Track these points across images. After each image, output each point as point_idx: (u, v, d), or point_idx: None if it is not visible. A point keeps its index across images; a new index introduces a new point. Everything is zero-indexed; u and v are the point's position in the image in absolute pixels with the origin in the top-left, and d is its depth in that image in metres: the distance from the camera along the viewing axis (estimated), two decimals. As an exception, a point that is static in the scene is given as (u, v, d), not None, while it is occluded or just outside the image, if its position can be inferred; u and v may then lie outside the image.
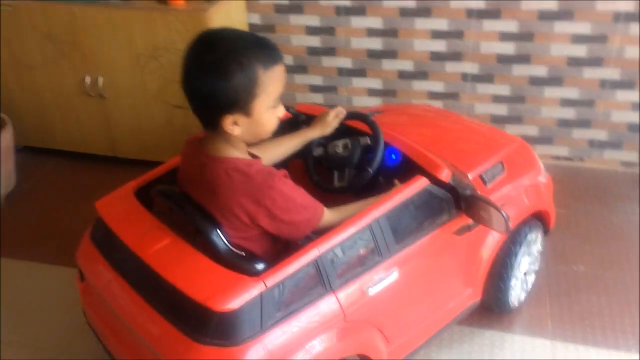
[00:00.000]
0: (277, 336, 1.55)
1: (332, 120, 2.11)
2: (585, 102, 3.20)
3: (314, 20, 3.35)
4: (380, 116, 2.45)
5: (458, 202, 1.91)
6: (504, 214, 1.79)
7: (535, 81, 3.21)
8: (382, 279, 1.76)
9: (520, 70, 3.20)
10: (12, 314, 2.53)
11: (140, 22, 3.00)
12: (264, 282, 1.52)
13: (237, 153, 1.60)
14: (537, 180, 2.23)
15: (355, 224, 1.71)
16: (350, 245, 1.71)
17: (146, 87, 3.17)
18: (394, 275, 1.79)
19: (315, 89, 3.58)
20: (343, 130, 2.10)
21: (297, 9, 3.33)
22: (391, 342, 1.88)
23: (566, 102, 3.23)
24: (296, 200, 1.62)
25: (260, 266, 1.55)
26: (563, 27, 3.02)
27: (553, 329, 2.34)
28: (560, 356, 2.23)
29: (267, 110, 1.55)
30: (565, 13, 2.98)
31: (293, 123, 2.25)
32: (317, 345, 1.63)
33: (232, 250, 1.59)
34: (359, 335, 1.75)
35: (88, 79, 3.22)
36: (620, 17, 2.92)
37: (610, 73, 3.09)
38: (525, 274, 2.35)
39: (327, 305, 1.65)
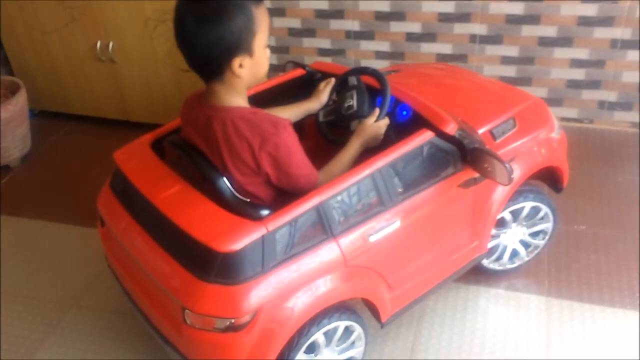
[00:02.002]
0: (278, 277, 1.64)
1: (324, 89, 2.18)
2: (595, 63, 3.15)
3: (321, -17, 3.35)
4: (396, 75, 2.49)
5: (464, 155, 1.94)
6: (507, 166, 1.81)
7: (545, 42, 3.16)
8: (383, 228, 1.81)
9: (529, 31, 3.16)
10: (25, 270, 2.65)
11: (148, -14, 3.03)
12: (266, 227, 1.60)
13: (240, 101, 1.67)
14: (549, 136, 2.23)
15: (358, 173, 1.76)
16: (353, 193, 1.76)
17: (155, 51, 3.22)
18: (395, 225, 1.84)
19: (323, 52, 3.58)
20: (347, 88, 2.12)
21: (304, -29, 3.34)
22: (394, 289, 1.95)
23: (576, 63, 3.18)
24: (297, 154, 1.67)
25: (264, 212, 1.63)
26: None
27: (549, 286, 2.36)
28: (554, 312, 2.26)
29: (263, 48, 1.63)
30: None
31: (308, 81, 2.29)
32: (318, 286, 1.71)
33: (237, 196, 1.68)
34: (361, 280, 1.82)
35: (99, 44, 3.28)
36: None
37: (621, 33, 3.03)
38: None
39: (328, 250, 1.72)
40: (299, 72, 2.35)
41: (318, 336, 1.81)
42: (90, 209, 2.94)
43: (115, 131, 3.57)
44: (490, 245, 2.24)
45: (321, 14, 3.44)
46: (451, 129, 1.90)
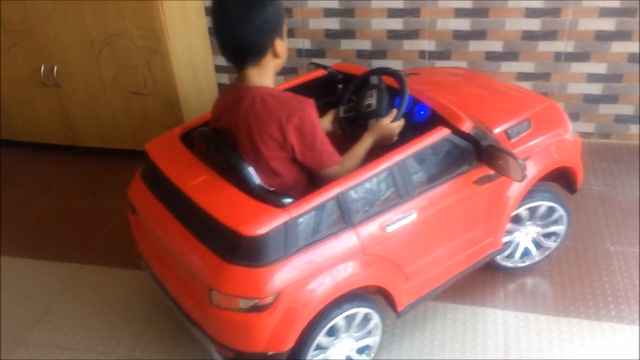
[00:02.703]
0: (300, 261, 1.74)
1: (334, 118, 2.24)
2: (541, 76, 3.23)
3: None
4: (415, 77, 2.57)
5: (479, 153, 2.01)
6: (521, 162, 1.88)
7: (492, 56, 3.23)
8: (400, 219, 1.89)
9: (476, 46, 3.22)
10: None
11: (91, 9, 2.96)
12: (289, 213, 1.70)
13: (269, 82, 1.84)
14: (563, 138, 2.31)
15: (376, 166, 1.85)
16: (371, 185, 1.85)
17: (101, 74, 3.15)
18: (412, 217, 1.92)
19: (275, 71, 3.57)
20: (368, 87, 2.19)
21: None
22: (410, 279, 2.03)
23: (523, 76, 3.25)
24: (321, 131, 1.81)
25: (287, 200, 1.74)
26: (516, 2, 3.03)
27: (505, 299, 2.38)
28: (511, 325, 2.27)
29: (286, 36, 1.84)
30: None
31: (329, 81, 2.43)
32: (338, 272, 1.80)
33: (262, 185, 1.80)
34: (378, 269, 1.91)
35: (43, 68, 3.18)
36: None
37: (565, 46, 3.11)
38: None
39: (347, 239, 1.81)
40: (320, 72, 2.45)
41: (338, 320, 1.89)
42: (39, 240, 2.86)
43: (63, 157, 3.48)
44: (504, 240, 2.30)
45: (332, 34, 3.42)
46: (467, 127, 1.99)
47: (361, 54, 3.39)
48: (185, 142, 2.05)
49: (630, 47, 3.05)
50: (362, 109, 2.12)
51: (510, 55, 3.20)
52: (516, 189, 2.15)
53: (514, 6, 3.05)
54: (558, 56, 3.15)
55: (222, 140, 1.86)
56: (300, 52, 3.47)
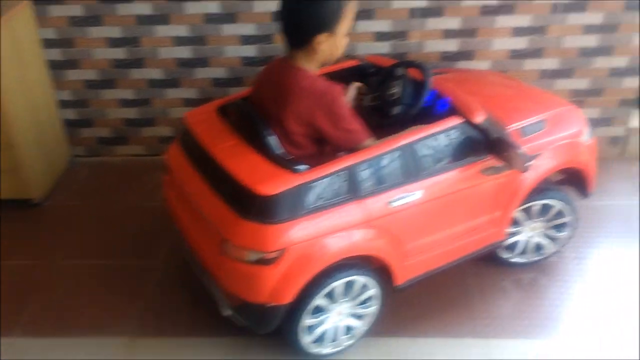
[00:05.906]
0: (306, 223, 1.89)
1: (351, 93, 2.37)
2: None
3: (115, 32, 3.05)
4: (442, 76, 2.59)
5: (489, 145, 2.10)
6: (522, 152, 2.00)
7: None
8: (404, 197, 2.01)
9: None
10: None
11: None
12: (301, 179, 1.87)
13: (312, 68, 1.99)
14: (577, 140, 2.38)
15: (387, 145, 2.00)
16: (382, 162, 1.98)
17: None
18: (416, 196, 2.03)
19: (126, 103, 3.25)
20: (394, 77, 2.29)
21: (95, 20, 3.02)
22: (410, 256, 2.13)
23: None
24: (349, 114, 1.96)
25: (301, 167, 1.90)
26: (436, 24, 2.96)
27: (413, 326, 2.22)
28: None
29: (343, 35, 1.97)
30: (437, 8, 2.93)
31: (362, 71, 2.53)
32: (340, 238, 1.94)
33: (281, 152, 1.97)
34: (379, 240, 2.02)
35: None
36: (488, 11, 2.94)
37: (483, 65, 3.06)
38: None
39: (353, 208, 1.95)
40: (353, 62, 2.58)
41: (338, 285, 2.02)
42: None
43: None
44: (513, 239, 2.44)
45: (120, 64, 3.10)
46: (478, 118, 2.09)
47: (218, 82, 3.14)
48: (223, 114, 2.22)
49: (543, 64, 3.08)
50: (386, 97, 2.24)
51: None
52: (524, 183, 2.23)
53: (432, 27, 2.97)
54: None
55: (254, 112, 2.03)
56: (152, 83, 3.11)
